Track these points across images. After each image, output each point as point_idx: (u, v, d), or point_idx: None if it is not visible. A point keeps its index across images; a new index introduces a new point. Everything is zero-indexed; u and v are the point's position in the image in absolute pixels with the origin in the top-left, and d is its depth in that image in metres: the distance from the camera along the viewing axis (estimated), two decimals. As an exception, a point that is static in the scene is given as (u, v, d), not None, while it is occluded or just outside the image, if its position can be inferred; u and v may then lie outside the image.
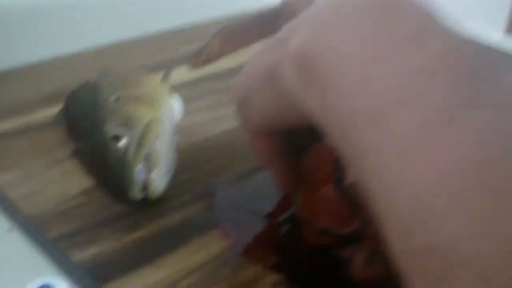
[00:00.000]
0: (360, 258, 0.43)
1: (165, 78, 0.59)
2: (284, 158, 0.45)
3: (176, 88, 0.65)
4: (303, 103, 0.33)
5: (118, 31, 0.77)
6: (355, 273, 0.43)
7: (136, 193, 0.48)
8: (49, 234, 0.46)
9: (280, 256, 0.46)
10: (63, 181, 0.51)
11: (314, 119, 0.33)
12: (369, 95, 0.28)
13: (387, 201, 0.27)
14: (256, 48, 0.43)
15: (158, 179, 0.48)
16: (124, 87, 0.54)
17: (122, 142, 0.49)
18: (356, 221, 0.44)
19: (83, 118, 0.53)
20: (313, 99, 0.32)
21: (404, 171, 0.26)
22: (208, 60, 0.72)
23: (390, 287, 0.42)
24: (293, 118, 0.38)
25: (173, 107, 0.55)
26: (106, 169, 0.50)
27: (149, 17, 0.80)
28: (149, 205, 0.49)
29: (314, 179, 0.46)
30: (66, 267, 0.45)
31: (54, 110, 0.58)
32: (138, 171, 0.48)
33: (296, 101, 0.34)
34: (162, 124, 0.51)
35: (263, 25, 0.80)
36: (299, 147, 0.47)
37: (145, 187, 0.48)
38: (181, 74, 0.69)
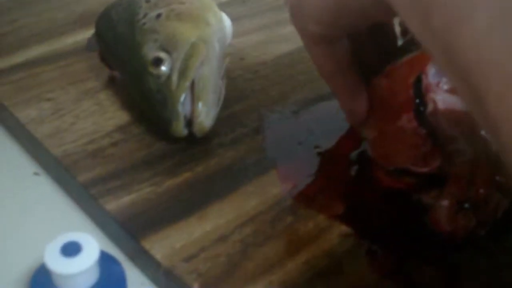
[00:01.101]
0: (444, 206, 0.36)
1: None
2: (350, 76, 0.38)
3: (226, 5, 0.57)
4: None
5: None
6: (439, 225, 0.36)
7: (180, 129, 0.41)
8: (79, 178, 0.39)
9: (348, 204, 0.39)
10: (96, 116, 0.44)
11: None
12: None
13: None
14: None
15: (205, 112, 0.41)
16: (165, 1, 0.46)
17: (164, 67, 0.42)
18: (440, 158, 0.36)
19: (118, 39, 0.45)
20: None
21: None
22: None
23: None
24: (357, 14, 0.33)
25: (223, 26, 0.47)
26: (145, 100, 0.43)
27: None
28: (195, 143, 0.42)
29: (389, 107, 0.39)
30: (99, 219, 0.38)
31: (86, 33, 0.51)
32: (183, 102, 0.41)
33: None
34: (210, 45, 0.43)
35: None
36: (370, 70, 0.39)
37: (190, 121, 0.41)
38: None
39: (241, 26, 0.55)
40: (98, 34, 0.47)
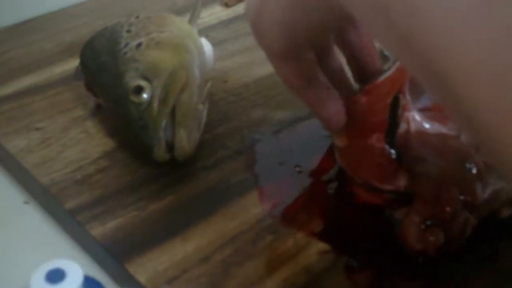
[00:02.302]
0: (411, 224, 0.37)
1: (193, 18, 0.52)
2: (319, 87, 0.39)
3: (208, 30, 0.59)
4: None
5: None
6: (407, 242, 0.37)
7: (162, 154, 0.42)
8: (67, 206, 0.41)
9: (327, 221, 0.40)
10: (83, 143, 0.46)
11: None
12: None
13: None
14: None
15: (187, 137, 0.42)
16: (145, 31, 0.47)
17: (145, 95, 0.43)
18: (405, 178, 0.38)
19: (101, 69, 0.46)
20: None
21: None
22: (244, -4, 0.65)
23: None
24: (315, 27, 0.33)
25: (203, 52, 0.48)
26: (128, 127, 0.44)
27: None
28: (178, 167, 0.43)
29: (365, 124, 0.40)
30: (85, 245, 0.40)
31: (74, 62, 0.52)
32: (164, 128, 0.42)
33: None
34: (190, 72, 0.44)
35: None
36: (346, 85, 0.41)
37: (171, 146, 0.42)
38: (215, 13, 0.62)
39: (225, 49, 0.56)
40: (82, 64, 0.49)
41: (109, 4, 0.65)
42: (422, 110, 0.40)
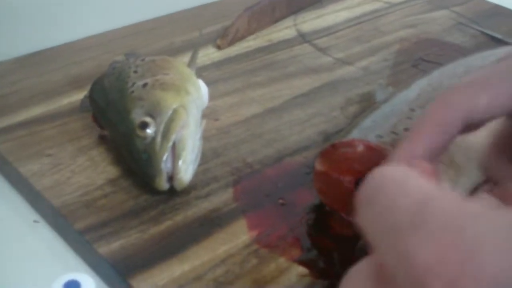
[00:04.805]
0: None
1: (192, 61, 0.58)
2: None
3: (203, 69, 0.65)
4: None
5: (142, 11, 0.76)
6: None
7: (163, 184, 0.48)
8: (76, 226, 0.46)
9: (306, 249, 0.46)
10: (90, 170, 0.51)
11: None
12: None
13: None
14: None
15: (184, 169, 0.48)
16: (151, 72, 0.53)
17: (149, 130, 0.48)
18: None
19: (109, 104, 0.52)
20: None
21: None
22: (235, 39, 0.71)
23: None
24: None
25: (201, 94, 0.54)
26: (133, 158, 0.49)
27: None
28: (175, 195, 0.49)
29: (345, 163, 0.45)
30: (93, 261, 0.45)
31: (81, 94, 0.58)
32: (165, 161, 0.47)
33: None
34: (189, 111, 0.50)
35: (291, 0, 0.79)
36: None
37: (171, 177, 0.48)
38: (208, 54, 0.68)
39: (217, 89, 0.62)
40: (91, 99, 0.54)
41: (113, 40, 0.70)
42: None
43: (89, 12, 0.73)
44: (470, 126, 0.36)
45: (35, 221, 0.49)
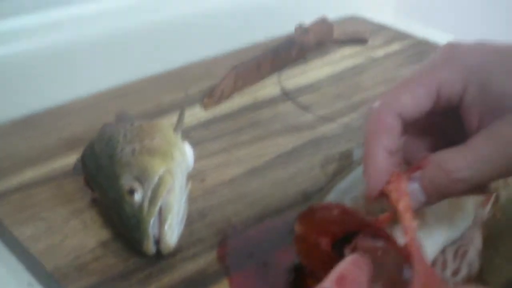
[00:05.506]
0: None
1: (178, 124, 0.61)
2: None
3: (190, 129, 0.67)
4: None
5: (129, 71, 0.79)
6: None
7: (150, 247, 0.50)
8: (68, 288, 0.48)
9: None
10: (82, 233, 0.54)
11: None
12: None
13: None
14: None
15: (170, 233, 0.50)
16: (139, 138, 0.56)
17: (137, 196, 0.51)
18: None
19: (100, 170, 0.55)
20: None
21: None
22: (222, 98, 0.74)
23: None
24: None
25: (186, 158, 0.57)
26: (122, 222, 0.52)
27: (156, 56, 0.82)
28: (163, 257, 0.51)
29: (322, 225, 0.48)
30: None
31: (73, 156, 0.61)
32: (152, 225, 0.50)
33: None
34: (175, 176, 0.53)
35: (276, 57, 0.82)
36: None
37: (158, 240, 0.50)
38: (195, 114, 0.71)
39: (204, 149, 0.65)
40: (83, 163, 0.57)
41: (102, 102, 0.74)
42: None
43: (77, 75, 0.76)
44: (409, 125, 0.44)
45: (29, 285, 0.51)
